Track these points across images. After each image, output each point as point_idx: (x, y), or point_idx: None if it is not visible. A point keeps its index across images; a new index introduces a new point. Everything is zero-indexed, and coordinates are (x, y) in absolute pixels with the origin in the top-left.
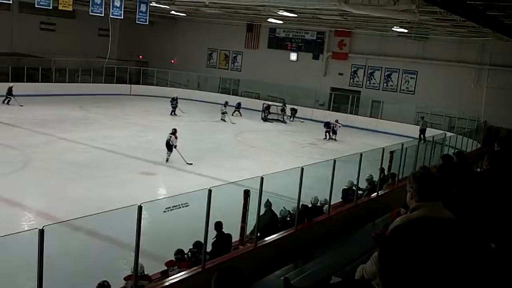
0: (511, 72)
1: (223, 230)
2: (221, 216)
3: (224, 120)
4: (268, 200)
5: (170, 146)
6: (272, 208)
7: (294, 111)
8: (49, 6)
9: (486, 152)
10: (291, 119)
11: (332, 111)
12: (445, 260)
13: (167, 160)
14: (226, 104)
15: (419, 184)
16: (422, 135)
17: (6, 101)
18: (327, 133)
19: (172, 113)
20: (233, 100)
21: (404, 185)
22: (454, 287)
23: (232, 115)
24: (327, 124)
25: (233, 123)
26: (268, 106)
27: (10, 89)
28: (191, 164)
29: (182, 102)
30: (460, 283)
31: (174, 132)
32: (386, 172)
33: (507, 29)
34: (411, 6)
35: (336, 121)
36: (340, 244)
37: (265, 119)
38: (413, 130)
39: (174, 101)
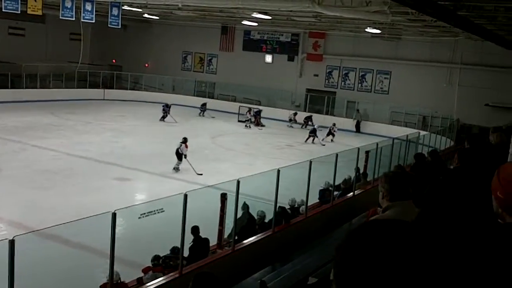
0: (481, 71)
1: (200, 234)
2: (199, 220)
3: (249, 127)
4: (245, 202)
5: (180, 155)
6: (250, 211)
7: (308, 118)
8: (17, 11)
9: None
10: (304, 126)
11: (308, 112)
12: (398, 267)
13: (176, 170)
14: (250, 110)
15: (390, 184)
16: (358, 127)
17: None
18: (312, 137)
19: (162, 119)
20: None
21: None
22: None
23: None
24: (313, 131)
25: (262, 127)
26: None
27: None
28: (201, 174)
29: (156, 106)
30: None
31: (184, 141)
32: (360, 172)
33: (477, 28)
34: (383, 7)
35: (334, 124)
36: (317, 245)
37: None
38: (388, 130)
39: (167, 108)
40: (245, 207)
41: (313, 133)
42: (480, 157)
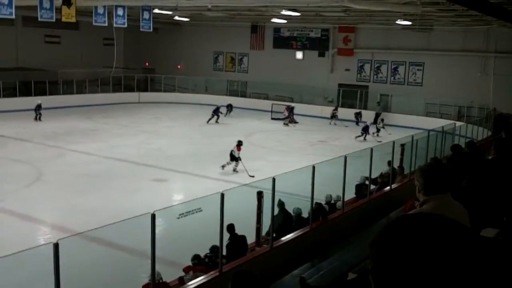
0: None
1: (236, 231)
2: (236, 219)
3: (287, 125)
4: (280, 200)
5: (233, 157)
6: (286, 208)
7: (358, 114)
8: (53, 19)
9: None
10: (356, 123)
11: (341, 107)
12: (434, 261)
13: (223, 167)
14: (288, 108)
15: (424, 178)
16: (376, 119)
17: (38, 117)
18: (364, 135)
19: (211, 121)
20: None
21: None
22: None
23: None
24: (366, 128)
25: (295, 123)
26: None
27: (39, 106)
28: (253, 176)
29: (191, 107)
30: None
31: (238, 143)
32: (396, 166)
33: (510, 15)
34: None
35: (382, 120)
36: (354, 240)
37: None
38: (423, 122)
39: (217, 111)
40: (280, 204)
41: (365, 130)
42: None
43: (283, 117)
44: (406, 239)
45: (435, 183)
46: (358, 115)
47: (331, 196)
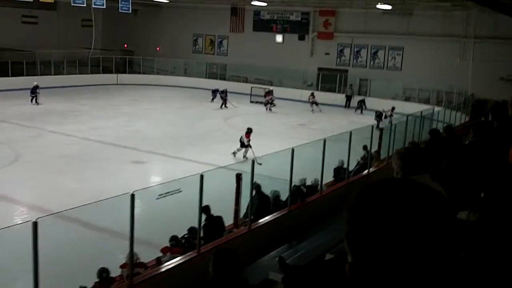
0: (495, 44)
1: (212, 213)
2: (215, 201)
3: (270, 110)
4: (255, 182)
5: (242, 144)
6: (265, 190)
7: (362, 102)
8: None
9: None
10: (360, 111)
11: (321, 91)
12: (406, 223)
13: (244, 157)
14: (268, 92)
15: (402, 160)
16: (348, 102)
17: (34, 100)
18: (378, 122)
19: (223, 106)
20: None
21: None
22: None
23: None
24: (379, 115)
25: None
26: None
27: (35, 87)
28: (260, 164)
29: (170, 89)
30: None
31: (247, 131)
32: (372, 150)
33: (490, 0)
34: None
35: (393, 108)
36: (333, 222)
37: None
38: (402, 107)
39: (223, 94)
40: (256, 186)
41: (379, 117)
42: (496, 130)
43: (265, 102)
44: (380, 202)
45: (413, 164)
46: (362, 102)
47: (304, 179)
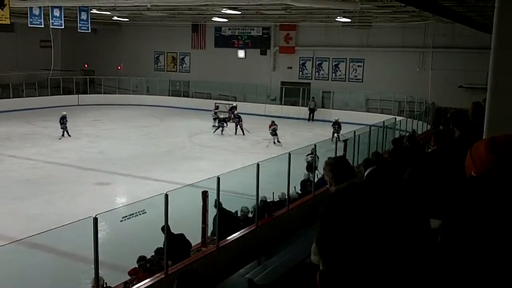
0: (453, 53)
1: (171, 231)
2: (181, 220)
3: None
4: (216, 200)
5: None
6: (232, 207)
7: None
8: None
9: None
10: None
11: (284, 105)
12: (368, 218)
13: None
14: (231, 109)
15: (333, 172)
16: (311, 115)
17: (66, 133)
18: (334, 133)
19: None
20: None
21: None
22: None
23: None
24: (336, 123)
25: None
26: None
27: (64, 117)
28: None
29: (133, 108)
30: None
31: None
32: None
33: (446, 11)
34: None
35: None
36: (301, 235)
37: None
38: (364, 118)
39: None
40: (218, 204)
41: (337, 125)
42: (458, 138)
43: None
44: (346, 200)
45: (343, 172)
46: (336, 124)
47: (265, 197)
